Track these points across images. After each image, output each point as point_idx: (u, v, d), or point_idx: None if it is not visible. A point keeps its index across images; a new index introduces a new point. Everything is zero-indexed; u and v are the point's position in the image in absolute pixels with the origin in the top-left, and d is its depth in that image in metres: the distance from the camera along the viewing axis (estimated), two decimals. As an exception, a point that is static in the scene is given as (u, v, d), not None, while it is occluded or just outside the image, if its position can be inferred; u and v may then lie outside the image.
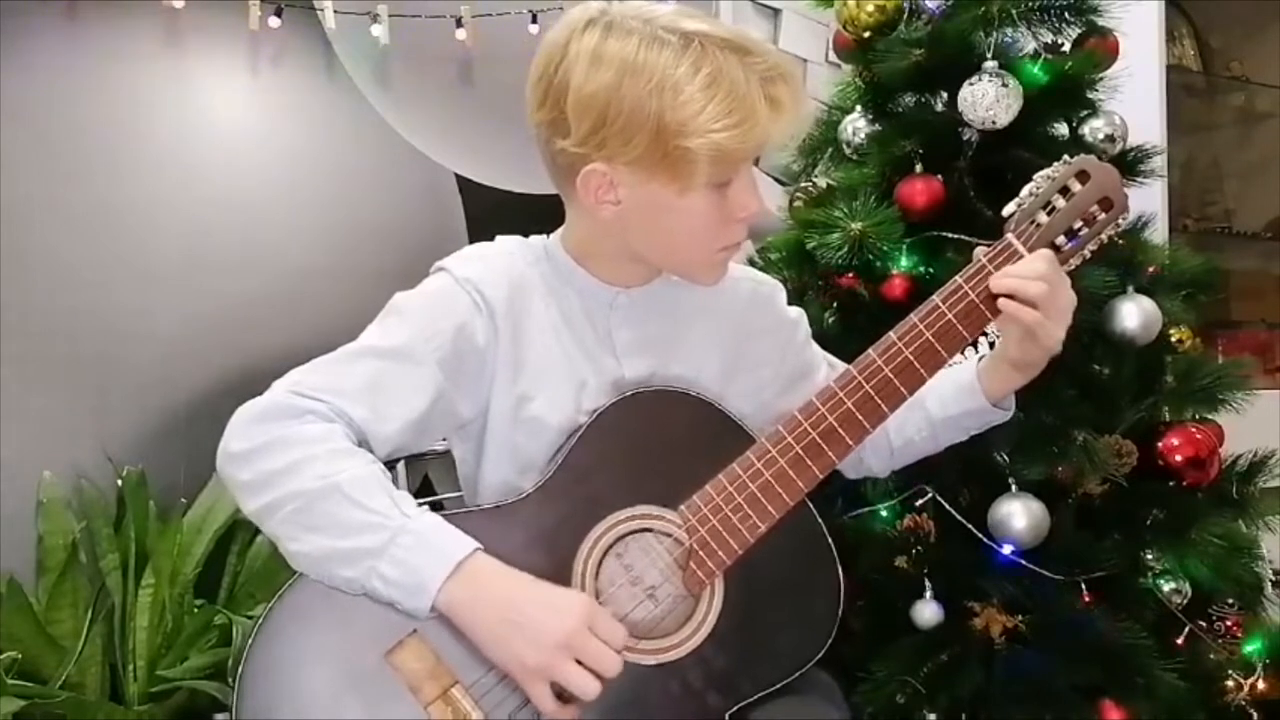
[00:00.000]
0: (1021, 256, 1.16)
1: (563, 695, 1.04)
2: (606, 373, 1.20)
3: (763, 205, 1.15)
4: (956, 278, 1.16)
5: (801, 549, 1.15)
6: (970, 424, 1.30)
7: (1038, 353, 1.19)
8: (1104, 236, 1.20)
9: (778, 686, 1.12)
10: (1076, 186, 1.18)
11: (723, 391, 1.21)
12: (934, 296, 1.16)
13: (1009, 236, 1.17)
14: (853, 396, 1.14)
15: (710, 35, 1.08)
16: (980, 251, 1.18)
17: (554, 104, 1.10)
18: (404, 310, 1.15)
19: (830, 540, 1.16)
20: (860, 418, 1.14)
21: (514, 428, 1.18)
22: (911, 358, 1.15)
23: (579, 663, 1.02)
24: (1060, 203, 1.18)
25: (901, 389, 1.15)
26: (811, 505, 1.16)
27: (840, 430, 1.14)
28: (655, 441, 1.15)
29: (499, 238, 1.25)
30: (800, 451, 1.13)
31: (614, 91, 1.06)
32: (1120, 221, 1.20)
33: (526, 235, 1.25)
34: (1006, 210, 1.20)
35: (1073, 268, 1.20)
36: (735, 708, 1.11)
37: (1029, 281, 1.13)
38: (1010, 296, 1.14)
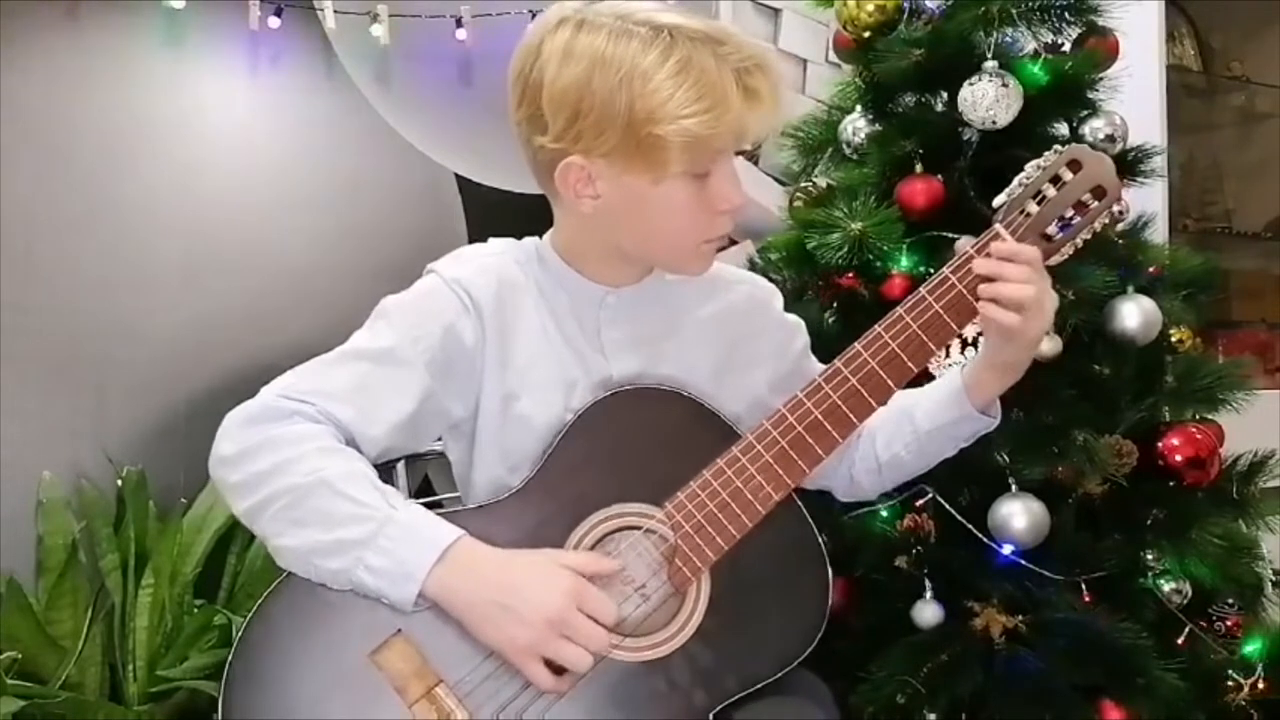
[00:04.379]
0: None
1: (556, 669, 1.05)
2: (595, 372, 1.20)
3: (745, 198, 1.14)
4: (943, 269, 1.15)
5: (790, 545, 1.14)
6: (958, 433, 1.27)
7: (1019, 353, 1.18)
8: (1097, 225, 1.18)
9: (763, 684, 1.12)
10: (1068, 175, 1.17)
11: (714, 392, 1.20)
12: (920, 289, 1.16)
13: (996, 226, 1.16)
14: (839, 390, 1.14)
15: (682, 27, 1.09)
16: (965, 242, 1.17)
17: (530, 101, 1.11)
18: (392, 313, 1.16)
19: (819, 537, 1.15)
20: (847, 411, 1.14)
21: (503, 426, 1.18)
22: (898, 350, 1.14)
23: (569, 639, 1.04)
24: (1051, 192, 1.17)
25: (888, 381, 1.15)
26: (799, 501, 1.15)
27: (827, 424, 1.13)
28: (641, 439, 1.14)
29: (491, 239, 1.25)
30: (786, 445, 1.13)
31: (585, 85, 1.07)
32: (1114, 209, 1.19)
33: (525, 236, 1.25)
34: (997, 201, 1.19)
35: (1065, 257, 1.19)
36: (720, 705, 1.11)
37: (1016, 285, 1.12)
38: (994, 297, 1.13)
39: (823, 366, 1.32)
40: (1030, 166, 1.19)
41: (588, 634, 1.05)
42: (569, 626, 1.04)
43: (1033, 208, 1.17)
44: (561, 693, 1.06)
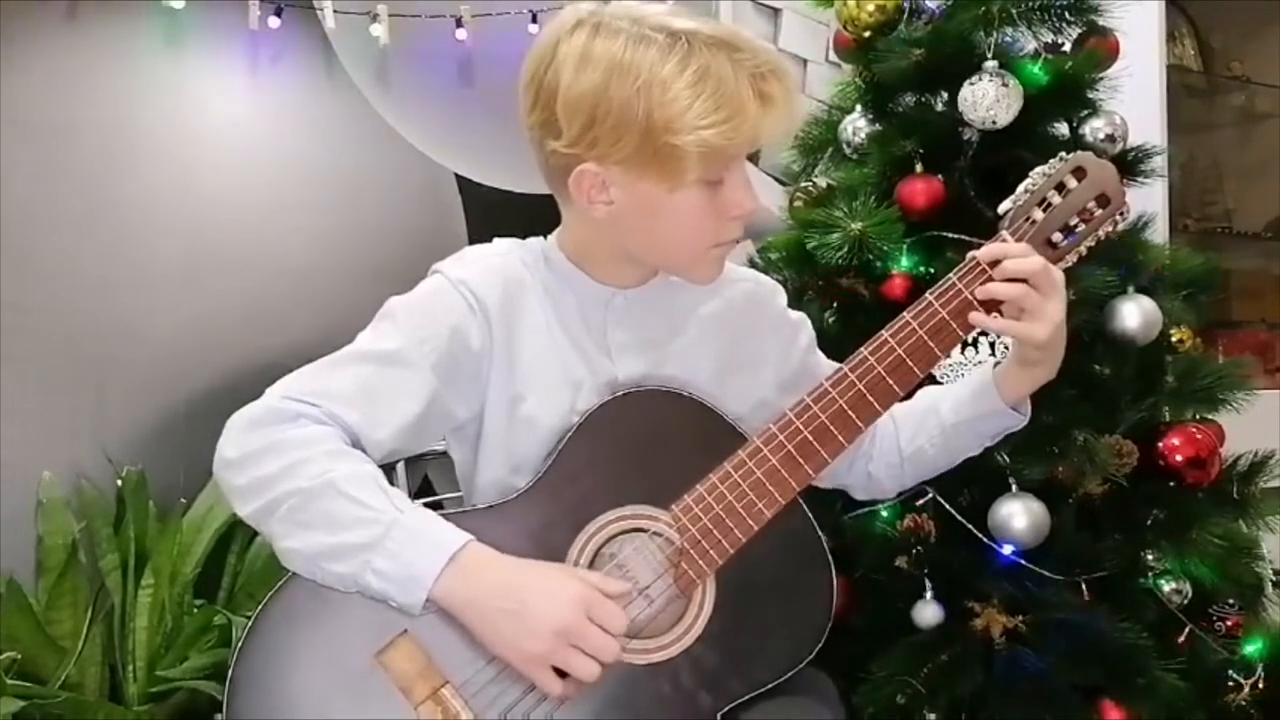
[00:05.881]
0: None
1: (563, 676, 1.05)
2: (601, 373, 1.20)
3: (757, 203, 1.14)
4: (950, 275, 1.16)
5: (795, 548, 1.15)
6: (984, 428, 1.28)
7: (1032, 352, 1.18)
8: (1101, 233, 1.19)
9: (770, 686, 1.12)
10: (1073, 183, 1.18)
11: (719, 393, 1.20)
12: (927, 294, 1.16)
13: (1003, 234, 1.17)
14: (846, 394, 1.14)
15: (698, 33, 1.08)
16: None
17: (545, 105, 1.11)
18: (397, 314, 1.15)
19: (823, 539, 1.16)
20: (853, 415, 1.14)
21: (508, 428, 1.18)
22: (904, 355, 1.14)
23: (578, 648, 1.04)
24: (1056, 199, 1.17)
25: (894, 386, 1.15)
26: (805, 505, 1.15)
27: (833, 428, 1.14)
28: (647, 441, 1.14)
29: (496, 240, 1.25)
30: (793, 449, 1.13)
31: (602, 91, 1.07)
32: (1118, 218, 1.19)
33: (526, 236, 1.25)
34: (1002, 208, 1.19)
35: (1069, 265, 1.19)
36: (727, 708, 1.11)
37: (1001, 285, 1.13)
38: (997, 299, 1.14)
39: (829, 362, 1.33)
40: (1036, 173, 1.19)
41: (597, 644, 1.04)
42: (578, 636, 1.03)
43: (1038, 215, 1.17)
44: (569, 698, 1.06)
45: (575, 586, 1.05)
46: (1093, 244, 1.19)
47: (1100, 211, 1.18)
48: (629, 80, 1.06)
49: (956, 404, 1.28)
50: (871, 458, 1.34)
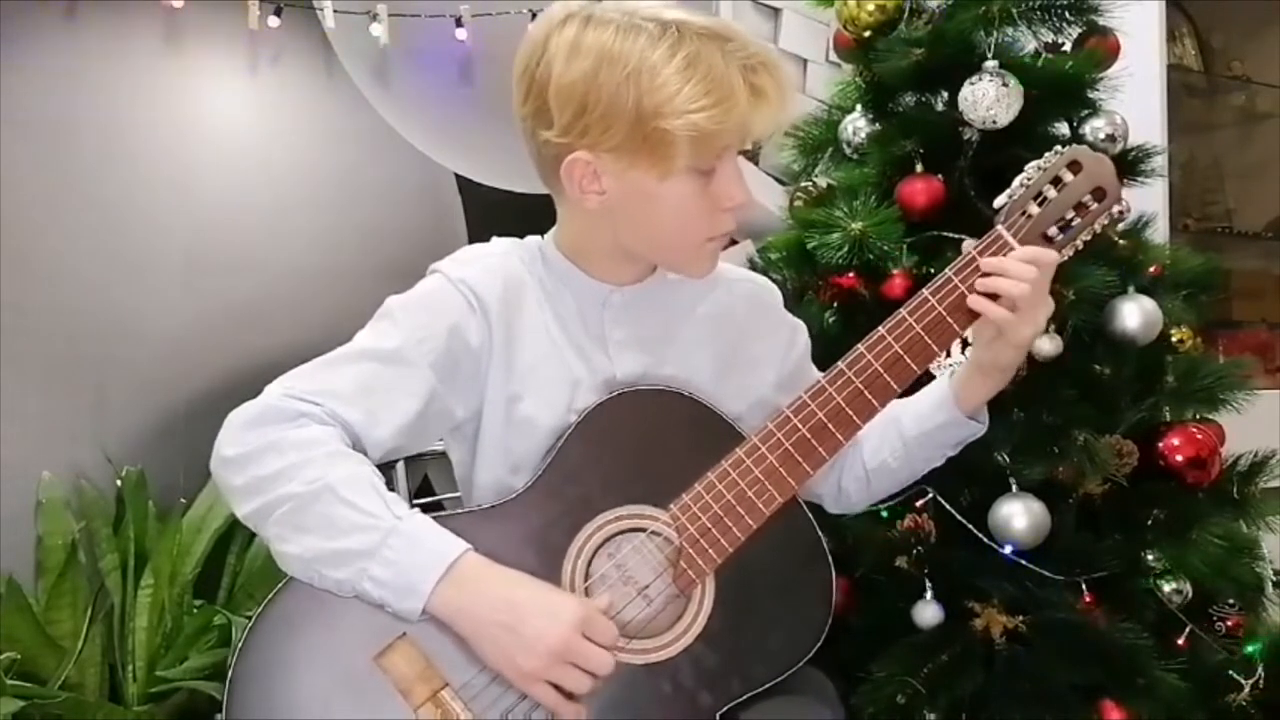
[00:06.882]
0: (1011, 248, 1.15)
1: (560, 690, 1.05)
2: (599, 371, 1.20)
3: (749, 196, 1.14)
4: (946, 270, 1.16)
5: (794, 547, 1.15)
6: (945, 439, 1.28)
7: (1006, 354, 1.18)
8: (1097, 227, 1.18)
9: (769, 685, 1.12)
10: (1069, 176, 1.17)
11: (717, 392, 1.20)
12: (923, 290, 1.16)
13: (999, 228, 1.17)
14: (843, 392, 1.14)
15: (689, 23, 1.09)
16: (970, 244, 1.17)
17: (537, 96, 1.11)
18: (396, 312, 1.15)
19: (822, 538, 1.16)
20: (850, 412, 1.14)
21: (506, 428, 1.18)
22: (901, 351, 1.14)
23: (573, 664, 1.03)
24: (1052, 193, 1.17)
25: (892, 383, 1.15)
26: (804, 504, 1.16)
27: (831, 425, 1.14)
28: (645, 440, 1.14)
29: (494, 239, 1.25)
30: (790, 448, 1.13)
31: (593, 79, 1.08)
32: (1114, 211, 1.18)
33: (524, 236, 1.25)
34: (998, 202, 1.19)
35: (1066, 259, 1.18)
36: (726, 707, 1.11)
37: (1012, 281, 1.12)
38: (994, 294, 1.13)
39: (818, 372, 1.33)
40: (1031, 167, 1.19)
41: (594, 661, 1.04)
42: (574, 653, 1.03)
43: (1034, 209, 1.17)
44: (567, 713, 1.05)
45: (572, 603, 1.05)
46: (1089, 238, 1.19)
47: (1096, 205, 1.17)
48: (619, 68, 1.07)
49: (916, 417, 1.28)
50: (842, 470, 1.34)
